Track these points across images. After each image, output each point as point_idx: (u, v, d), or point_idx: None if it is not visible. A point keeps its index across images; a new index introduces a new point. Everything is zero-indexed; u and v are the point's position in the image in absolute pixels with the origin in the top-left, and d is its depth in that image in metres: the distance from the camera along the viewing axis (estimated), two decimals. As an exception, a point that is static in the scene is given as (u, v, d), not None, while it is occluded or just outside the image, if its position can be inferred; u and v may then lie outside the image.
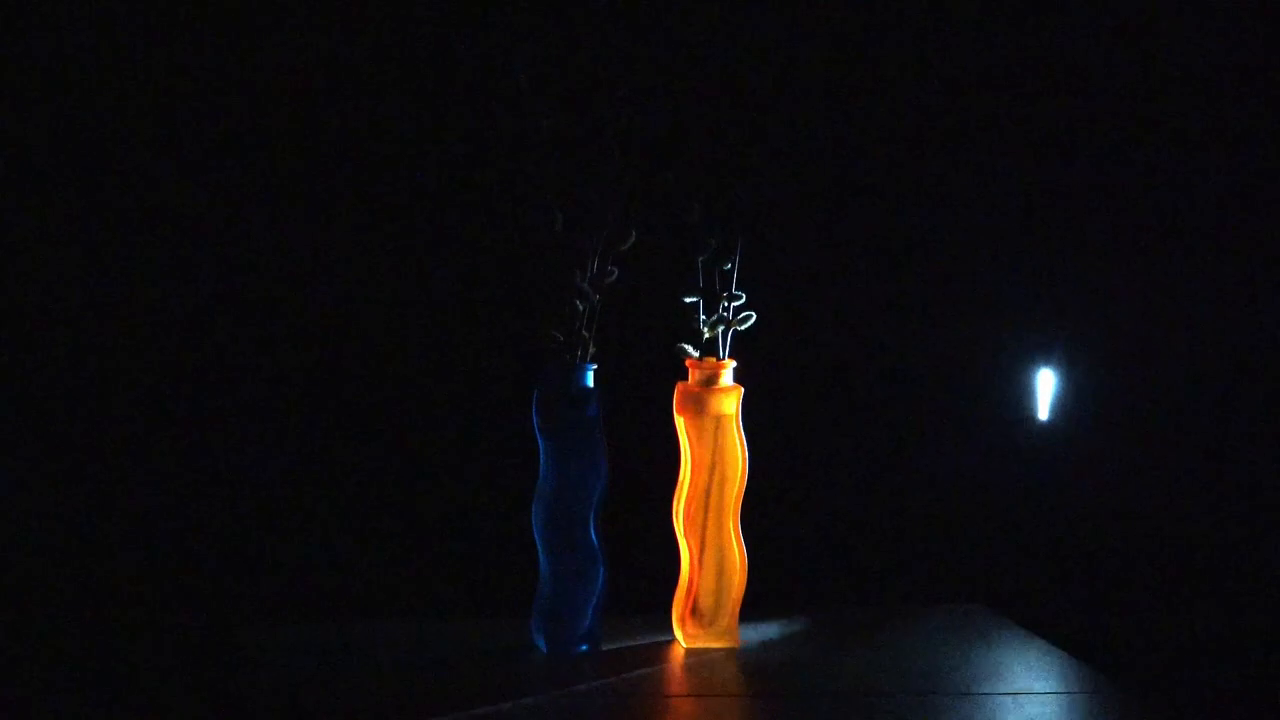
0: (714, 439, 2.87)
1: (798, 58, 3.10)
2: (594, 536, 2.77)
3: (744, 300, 2.88)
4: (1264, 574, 2.73)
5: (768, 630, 2.93)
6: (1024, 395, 3.16)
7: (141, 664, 2.65)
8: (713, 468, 2.87)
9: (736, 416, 2.87)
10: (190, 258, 2.95)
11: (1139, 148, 3.01)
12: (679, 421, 2.88)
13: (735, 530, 2.87)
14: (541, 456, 2.78)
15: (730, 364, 2.89)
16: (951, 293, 3.18)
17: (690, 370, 2.89)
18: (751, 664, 2.72)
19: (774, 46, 3.10)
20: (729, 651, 2.81)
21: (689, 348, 2.89)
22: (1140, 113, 3.01)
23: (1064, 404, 3.10)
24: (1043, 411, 3.13)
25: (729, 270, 2.90)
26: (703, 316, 2.85)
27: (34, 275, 2.91)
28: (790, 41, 3.10)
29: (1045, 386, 3.14)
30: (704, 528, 2.87)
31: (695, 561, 2.87)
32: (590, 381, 2.78)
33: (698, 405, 2.87)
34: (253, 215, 2.97)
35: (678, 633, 2.87)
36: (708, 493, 2.87)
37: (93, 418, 2.93)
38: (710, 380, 2.87)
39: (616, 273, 2.80)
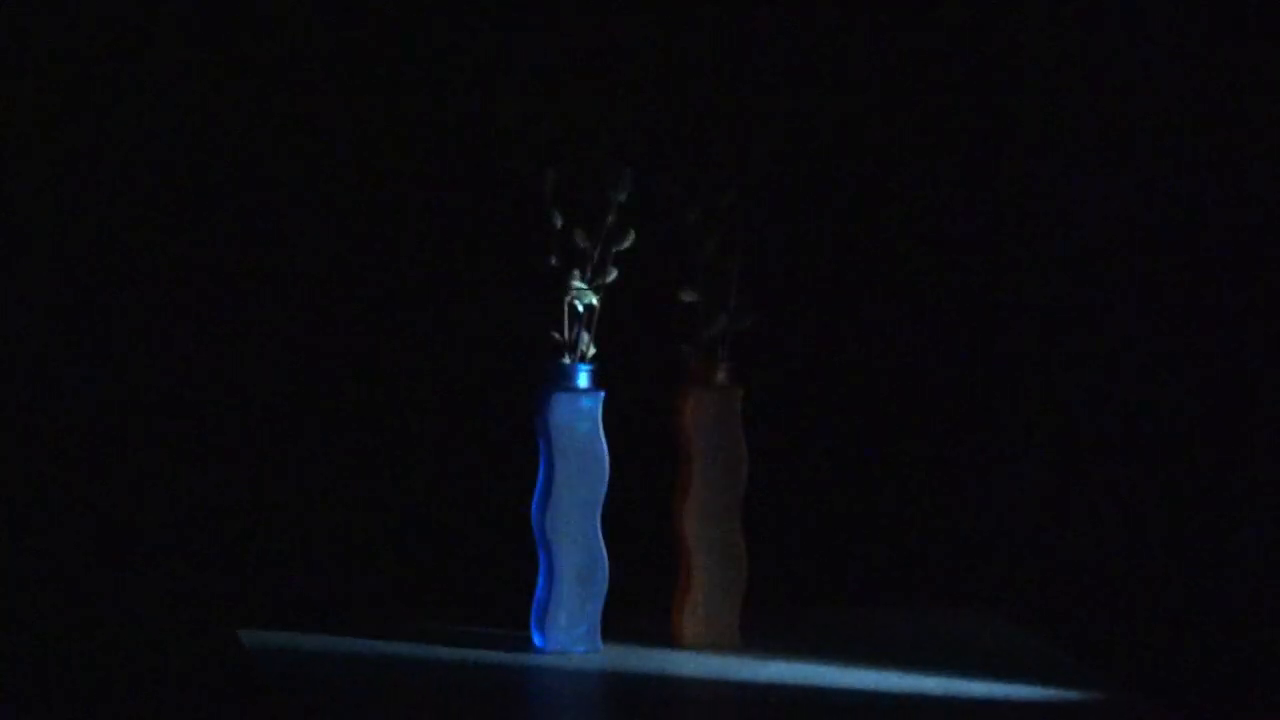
0: (714, 439, 2.86)
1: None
2: (593, 536, 2.77)
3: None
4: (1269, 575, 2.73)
5: (768, 631, 2.92)
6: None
7: (138, 665, 2.65)
8: (713, 468, 2.86)
9: (737, 417, 2.86)
10: (180, 258, 2.95)
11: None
12: (679, 422, 2.87)
13: (735, 530, 2.86)
14: (541, 456, 2.78)
15: (728, 364, 2.88)
16: (954, 290, 3.17)
17: (690, 370, 2.88)
18: (751, 664, 2.72)
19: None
20: (729, 652, 2.81)
21: (690, 348, 2.89)
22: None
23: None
24: None
25: (729, 269, 2.89)
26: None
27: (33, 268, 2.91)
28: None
29: None
30: (704, 528, 2.86)
31: (695, 561, 2.86)
32: (590, 381, 2.78)
33: (698, 405, 2.86)
34: (247, 215, 2.97)
35: (678, 633, 2.86)
36: (708, 493, 2.86)
37: (90, 418, 2.93)
38: (710, 380, 2.87)
39: (616, 272, 2.79)
